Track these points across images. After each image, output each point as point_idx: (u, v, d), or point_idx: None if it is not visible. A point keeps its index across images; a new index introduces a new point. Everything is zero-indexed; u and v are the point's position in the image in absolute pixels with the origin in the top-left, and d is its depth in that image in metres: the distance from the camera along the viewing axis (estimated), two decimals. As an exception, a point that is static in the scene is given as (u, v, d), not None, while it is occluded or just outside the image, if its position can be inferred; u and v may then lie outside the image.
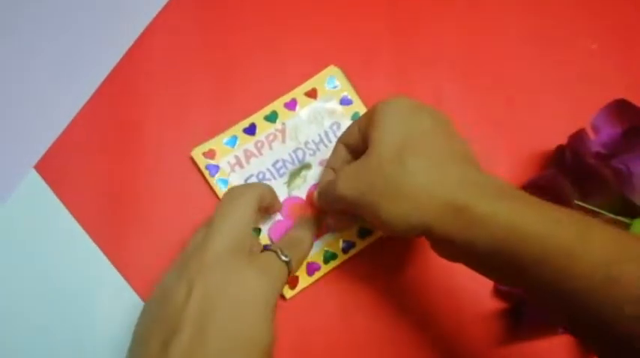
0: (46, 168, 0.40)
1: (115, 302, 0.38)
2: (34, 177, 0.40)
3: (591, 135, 0.37)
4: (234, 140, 0.40)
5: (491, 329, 0.38)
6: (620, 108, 0.37)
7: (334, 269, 0.39)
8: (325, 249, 0.39)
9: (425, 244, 0.39)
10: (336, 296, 0.39)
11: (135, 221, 0.39)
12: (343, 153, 0.36)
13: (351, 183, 0.31)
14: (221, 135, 0.40)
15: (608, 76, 0.42)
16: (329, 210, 0.38)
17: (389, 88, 0.42)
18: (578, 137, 0.37)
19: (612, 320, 0.24)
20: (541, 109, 0.42)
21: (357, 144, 0.34)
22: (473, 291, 0.39)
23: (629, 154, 0.35)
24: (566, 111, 0.41)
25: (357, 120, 0.35)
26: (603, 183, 0.36)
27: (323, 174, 0.38)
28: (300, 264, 0.35)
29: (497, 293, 0.39)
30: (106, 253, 0.39)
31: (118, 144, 0.41)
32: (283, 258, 0.32)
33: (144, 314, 0.30)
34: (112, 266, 0.39)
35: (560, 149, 0.39)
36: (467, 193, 0.28)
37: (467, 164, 0.30)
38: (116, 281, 0.39)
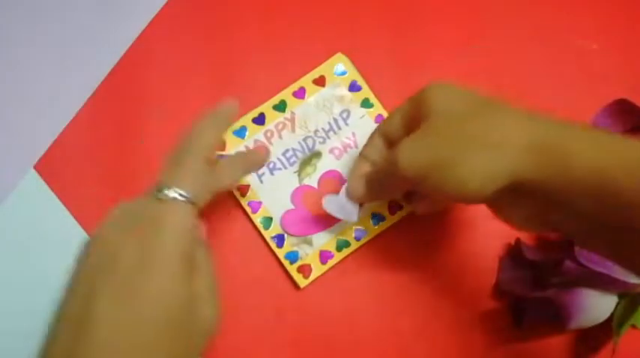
0: (46, 168, 0.40)
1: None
2: (34, 177, 0.40)
3: (592, 135, 0.37)
4: (243, 130, 0.40)
5: (491, 329, 0.38)
6: (620, 108, 0.37)
7: (346, 256, 0.39)
8: (338, 237, 0.39)
9: (425, 244, 0.40)
10: (344, 286, 0.39)
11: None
12: (380, 143, 0.34)
13: (417, 153, 0.29)
14: (230, 126, 0.40)
15: (609, 76, 0.42)
16: (380, 199, 0.36)
17: (391, 78, 0.42)
18: (579, 137, 0.37)
19: None
20: (541, 109, 0.42)
21: (398, 133, 0.32)
22: (473, 291, 0.39)
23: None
24: (566, 111, 0.41)
25: (397, 108, 0.33)
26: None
27: (357, 166, 0.36)
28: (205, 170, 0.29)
29: (498, 292, 0.39)
30: (105, 253, 0.39)
31: (118, 143, 0.41)
32: (159, 194, 0.27)
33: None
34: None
35: (561, 149, 0.39)
36: (554, 131, 0.26)
37: (538, 114, 0.28)
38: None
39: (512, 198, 0.28)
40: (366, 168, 0.35)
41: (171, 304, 0.26)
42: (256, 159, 0.35)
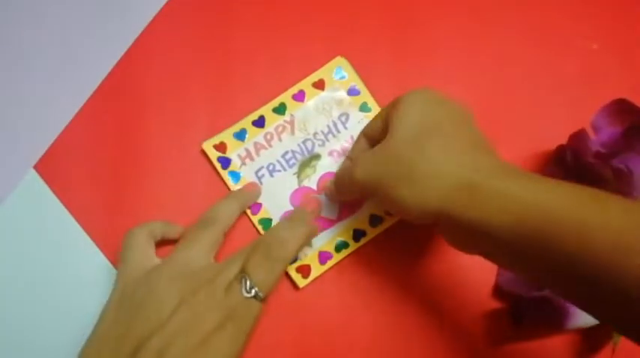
0: (46, 168, 0.40)
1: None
2: (34, 177, 0.40)
3: (591, 134, 0.37)
4: (243, 133, 0.40)
5: (491, 329, 0.38)
6: (620, 107, 0.37)
7: (346, 257, 0.39)
8: (337, 238, 0.39)
9: (424, 244, 0.39)
10: (342, 287, 0.39)
11: (136, 221, 0.39)
12: (363, 144, 0.37)
13: (368, 168, 0.32)
14: (230, 129, 0.40)
15: (609, 76, 0.42)
16: (344, 199, 0.38)
17: (391, 81, 0.42)
18: (579, 137, 0.37)
19: (631, 291, 0.23)
20: (541, 109, 0.42)
21: (378, 135, 0.35)
22: (473, 291, 0.39)
23: (629, 154, 0.35)
24: (566, 111, 0.41)
25: (379, 112, 0.36)
26: (603, 183, 0.35)
27: (342, 165, 0.39)
28: (280, 273, 0.34)
29: (498, 293, 0.39)
30: (105, 253, 0.39)
31: (118, 143, 0.41)
32: (246, 294, 0.32)
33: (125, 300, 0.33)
34: (112, 266, 0.39)
35: (561, 149, 0.39)
36: (480, 173, 0.28)
37: (482, 150, 0.30)
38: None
39: (447, 224, 0.30)
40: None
41: None
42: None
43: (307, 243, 0.37)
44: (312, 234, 0.37)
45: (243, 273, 0.32)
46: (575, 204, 0.25)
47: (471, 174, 0.28)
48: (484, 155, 0.30)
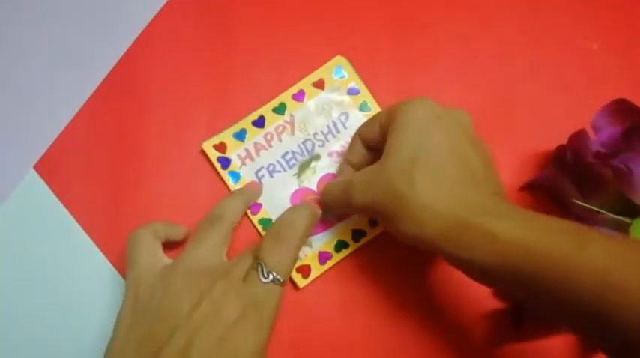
0: (46, 168, 0.40)
1: (115, 302, 0.38)
2: (34, 177, 0.40)
3: (591, 134, 0.37)
4: (243, 133, 0.40)
5: (491, 329, 0.38)
6: (620, 107, 0.37)
7: (345, 258, 0.39)
8: (337, 238, 0.39)
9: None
10: (342, 287, 0.39)
11: (136, 221, 0.39)
12: (360, 148, 0.37)
13: (367, 191, 0.32)
14: (230, 129, 0.40)
15: (609, 76, 0.42)
16: (336, 211, 0.38)
17: (391, 81, 0.42)
18: (579, 137, 0.37)
19: (618, 326, 0.24)
20: (541, 109, 0.42)
21: (375, 141, 0.35)
22: (473, 291, 0.39)
23: (629, 154, 0.35)
24: (566, 111, 0.41)
25: (377, 115, 0.36)
26: (603, 183, 0.35)
27: (340, 169, 0.39)
28: (295, 254, 0.34)
29: (497, 293, 0.39)
30: (105, 253, 0.39)
31: (118, 143, 0.41)
32: (264, 280, 0.32)
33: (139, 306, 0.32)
34: (112, 267, 0.39)
35: (561, 149, 0.39)
36: (468, 211, 0.28)
37: (473, 183, 0.30)
38: (117, 282, 0.39)
39: (441, 254, 0.30)
40: (348, 170, 0.37)
41: None
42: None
43: (314, 223, 0.36)
44: (317, 214, 0.37)
45: (257, 260, 0.32)
46: (559, 241, 0.26)
47: (460, 211, 0.29)
48: (474, 190, 0.30)
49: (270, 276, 0.32)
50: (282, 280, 0.32)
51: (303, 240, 0.35)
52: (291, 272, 0.33)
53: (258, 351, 0.31)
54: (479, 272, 0.29)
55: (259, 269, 0.32)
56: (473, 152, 0.32)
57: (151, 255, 0.34)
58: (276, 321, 0.32)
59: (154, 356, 0.29)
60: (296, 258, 0.34)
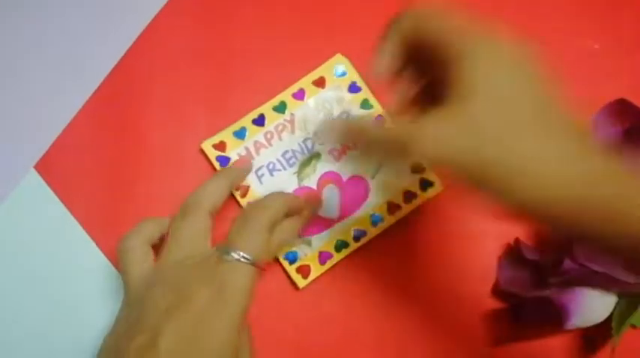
0: (46, 168, 0.40)
1: (115, 302, 0.38)
2: (34, 177, 0.40)
3: (591, 134, 0.37)
4: (243, 132, 0.40)
5: (491, 329, 0.38)
6: (620, 107, 0.37)
7: (345, 258, 0.39)
8: (337, 238, 0.39)
9: (424, 244, 0.40)
10: (342, 287, 0.39)
11: (136, 220, 0.39)
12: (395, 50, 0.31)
13: (451, 141, 0.24)
14: (230, 127, 0.40)
15: (609, 76, 0.42)
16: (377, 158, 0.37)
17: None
18: (579, 137, 0.37)
19: None
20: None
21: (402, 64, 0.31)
22: (473, 291, 0.39)
23: (630, 153, 0.35)
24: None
25: (394, 28, 0.30)
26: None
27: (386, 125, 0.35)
28: (264, 235, 0.32)
29: (497, 293, 0.39)
30: (106, 254, 0.39)
31: (118, 143, 0.41)
32: (227, 257, 0.31)
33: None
34: (112, 267, 0.39)
35: (561, 149, 0.39)
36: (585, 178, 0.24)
37: (571, 135, 0.26)
38: (116, 281, 0.39)
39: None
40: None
41: (225, 353, 0.29)
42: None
43: (286, 209, 0.34)
44: (294, 202, 0.36)
45: (226, 244, 0.32)
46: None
47: (591, 167, 0.25)
48: (575, 142, 0.26)
49: (235, 255, 0.31)
50: (250, 258, 0.31)
51: (274, 222, 0.33)
52: (264, 253, 0.32)
53: (227, 338, 0.29)
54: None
55: (228, 251, 0.31)
56: (553, 87, 0.28)
57: (140, 266, 0.33)
58: (249, 304, 0.31)
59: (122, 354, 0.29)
60: (266, 237, 0.33)
